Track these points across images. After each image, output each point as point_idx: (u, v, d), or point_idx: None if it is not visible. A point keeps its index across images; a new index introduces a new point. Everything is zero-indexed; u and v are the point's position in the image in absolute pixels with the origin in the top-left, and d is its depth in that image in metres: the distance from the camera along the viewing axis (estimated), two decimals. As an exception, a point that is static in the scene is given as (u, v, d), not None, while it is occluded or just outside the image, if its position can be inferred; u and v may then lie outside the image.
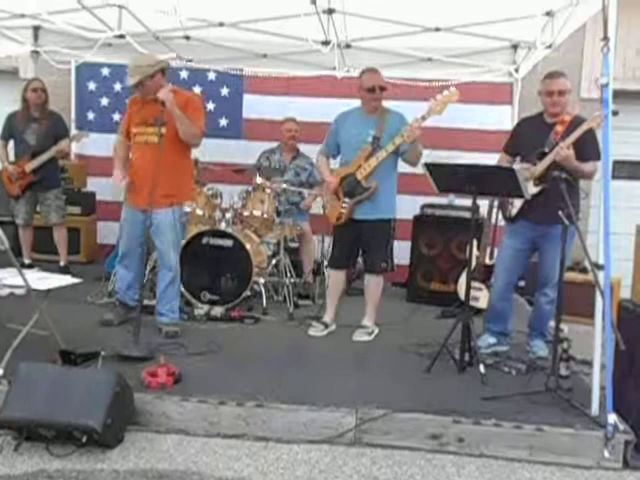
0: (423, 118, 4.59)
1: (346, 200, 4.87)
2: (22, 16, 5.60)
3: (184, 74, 7.69)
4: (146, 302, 5.37)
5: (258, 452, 3.34)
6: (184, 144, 4.68)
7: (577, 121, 4.34)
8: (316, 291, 6.16)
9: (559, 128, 4.39)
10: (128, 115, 4.80)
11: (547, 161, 4.30)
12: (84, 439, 3.17)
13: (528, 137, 4.56)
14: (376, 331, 5.07)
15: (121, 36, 5.22)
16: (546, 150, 4.35)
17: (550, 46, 4.99)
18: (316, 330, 5.06)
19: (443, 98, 4.53)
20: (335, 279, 5.17)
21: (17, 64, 7.90)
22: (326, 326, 5.11)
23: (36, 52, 6.37)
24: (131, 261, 4.82)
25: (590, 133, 4.16)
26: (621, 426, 3.38)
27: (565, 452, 3.37)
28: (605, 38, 3.36)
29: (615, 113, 3.64)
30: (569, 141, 4.19)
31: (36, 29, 6.16)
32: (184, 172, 4.81)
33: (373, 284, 5.06)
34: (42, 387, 3.25)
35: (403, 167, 6.58)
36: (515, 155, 4.70)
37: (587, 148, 4.19)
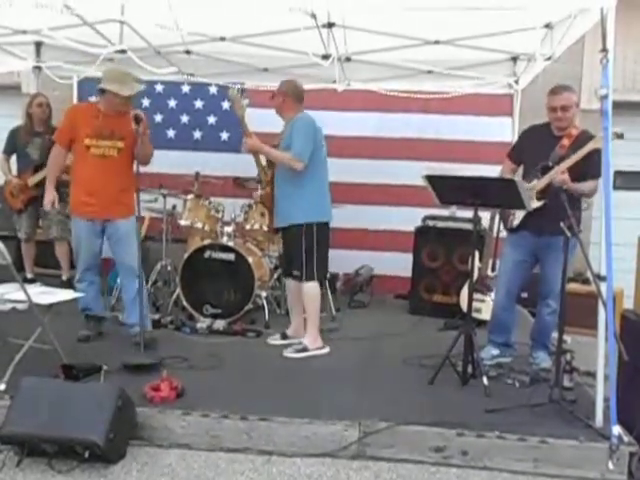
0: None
1: None
2: (24, 32, 5.62)
3: (185, 88, 7.74)
4: (150, 316, 5.42)
5: (261, 466, 3.33)
6: (132, 160, 4.73)
7: (584, 137, 4.32)
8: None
9: (565, 142, 4.39)
10: (71, 125, 4.71)
11: (549, 177, 4.30)
12: (86, 454, 3.17)
13: (533, 147, 4.56)
14: (321, 351, 4.84)
15: (122, 51, 5.23)
16: (550, 164, 4.34)
17: (549, 58, 4.99)
18: (273, 339, 5.09)
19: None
20: (287, 287, 5.25)
21: (19, 79, 7.93)
22: (285, 337, 5.08)
23: (38, 67, 6.38)
24: (93, 275, 4.86)
25: (597, 151, 4.13)
26: (625, 438, 3.38)
27: (570, 464, 3.36)
28: (604, 50, 3.37)
29: (621, 136, 3.65)
30: (565, 165, 4.21)
31: (38, 45, 6.17)
32: (133, 184, 4.66)
33: (302, 293, 4.90)
34: (44, 402, 3.25)
35: (405, 179, 6.61)
36: (519, 163, 4.70)
37: (591, 166, 4.13)
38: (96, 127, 4.64)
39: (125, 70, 4.83)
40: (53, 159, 4.88)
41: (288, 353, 4.77)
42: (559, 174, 4.19)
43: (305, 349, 4.79)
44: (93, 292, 4.89)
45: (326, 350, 4.88)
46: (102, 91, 4.65)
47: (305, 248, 4.74)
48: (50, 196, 4.76)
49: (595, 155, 4.08)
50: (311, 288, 4.83)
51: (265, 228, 5.75)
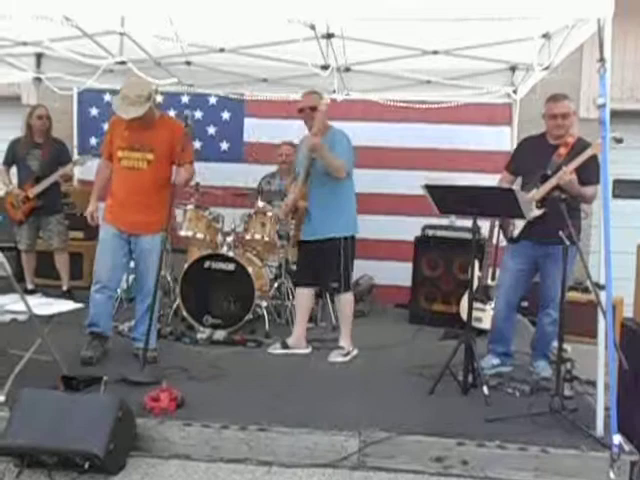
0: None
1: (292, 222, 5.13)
2: (24, 44, 5.66)
3: (185, 99, 7.76)
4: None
5: (261, 476, 3.32)
6: (167, 171, 4.60)
7: (580, 144, 4.35)
8: (319, 314, 6.13)
9: (562, 150, 4.41)
10: (109, 137, 4.69)
11: (550, 184, 4.30)
12: (86, 465, 3.16)
13: (530, 157, 4.58)
14: (354, 352, 5.03)
15: (122, 62, 5.26)
16: (549, 173, 4.36)
17: (547, 68, 5.01)
18: (274, 349, 5.09)
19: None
20: (298, 297, 5.20)
21: (19, 91, 7.95)
22: (285, 346, 5.08)
23: (38, 79, 6.42)
24: (112, 290, 4.73)
25: (593, 158, 4.16)
26: (626, 447, 3.37)
27: (571, 474, 3.35)
28: (601, 59, 3.39)
29: (620, 141, 3.66)
30: (572, 166, 4.21)
31: (38, 56, 6.21)
32: (166, 199, 4.48)
33: (341, 303, 5.07)
34: (44, 413, 3.24)
35: (404, 189, 6.61)
36: (517, 175, 4.71)
37: (589, 172, 4.18)
38: (126, 138, 4.56)
39: (138, 86, 4.54)
40: (97, 173, 4.88)
41: (334, 358, 4.92)
42: (567, 174, 4.18)
43: (349, 352, 4.99)
44: (109, 308, 4.76)
45: (356, 351, 5.07)
46: None
47: (344, 261, 4.89)
48: (92, 207, 4.73)
49: (592, 162, 4.11)
50: (349, 297, 5.05)
51: (266, 238, 5.75)
